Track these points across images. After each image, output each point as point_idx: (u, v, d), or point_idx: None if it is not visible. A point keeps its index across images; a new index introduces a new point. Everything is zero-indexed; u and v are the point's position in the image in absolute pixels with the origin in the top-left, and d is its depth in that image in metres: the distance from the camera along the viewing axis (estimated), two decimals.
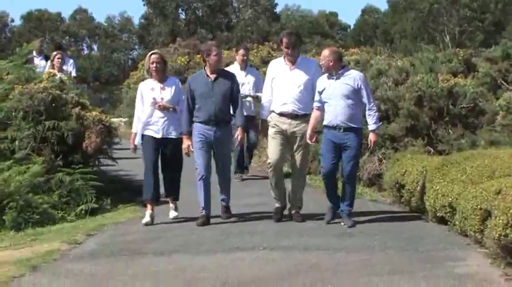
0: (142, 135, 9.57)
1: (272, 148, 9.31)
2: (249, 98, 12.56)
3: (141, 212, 9.94)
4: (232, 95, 9.38)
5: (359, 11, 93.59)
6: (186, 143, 9.34)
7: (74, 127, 11.52)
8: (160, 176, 9.71)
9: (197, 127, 9.31)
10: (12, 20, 72.42)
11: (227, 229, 8.94)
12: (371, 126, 9.00)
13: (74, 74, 15.65)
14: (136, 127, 9.67)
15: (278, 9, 70.08)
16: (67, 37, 73.35)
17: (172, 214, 9.67)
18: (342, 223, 8.92)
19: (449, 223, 8.46)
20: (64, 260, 7.78)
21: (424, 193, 9.09)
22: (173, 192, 9.72)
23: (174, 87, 9.61)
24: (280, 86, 9.28)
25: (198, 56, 25.79)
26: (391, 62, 14.62)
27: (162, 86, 9.55)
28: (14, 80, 12.61)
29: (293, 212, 9.38)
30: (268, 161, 9.39)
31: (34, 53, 15.90)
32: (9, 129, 11.39)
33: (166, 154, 9.57)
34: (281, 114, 9.24)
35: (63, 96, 12.01)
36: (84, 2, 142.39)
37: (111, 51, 74.85)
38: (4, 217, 9.92)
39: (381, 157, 11.72)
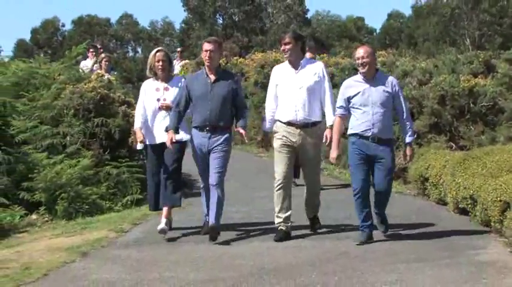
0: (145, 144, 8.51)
1: (279, 163, 7.88)
2: None
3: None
4: (235, 100, 7.99)
5: (385, 15, 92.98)
6: (169, 135, 7.86)
7: (121, 124, 11.61)
8: None
9: (194, 134, 8.03)
10: (63, 25, 72.97)
11: (261, 220, 8.91)
12: (408, 138, 7.65)
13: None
14: (140, 122, 8.50)
15: (309, 15, 69.90)
16: (114, 40, 73.85)
17: (161, 226, 8.17)
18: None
19: (470, 213, 8.41)
20: (111, 247, 7.85)
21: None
22: (170, 199, 8.28)
23: (178, 88, 8.37)
24: (286, 91, 7.86)
25: (235, 58, 25.83)
26: (415, 64, 14.59)
27: (166, 86, 8.44)
28: (65, 80, 12.76)
29: (310, 217, 8.26)
30: (276, 178, 7.92)
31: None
32: (61, 126, 11.52)
33: (165, 157, 8.25)
34: (289, 124, 7.83)
35: (111, 95, 12.12)
36: (130, 8, 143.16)
37: None
38: (56, 207, 10.05)
39: None
